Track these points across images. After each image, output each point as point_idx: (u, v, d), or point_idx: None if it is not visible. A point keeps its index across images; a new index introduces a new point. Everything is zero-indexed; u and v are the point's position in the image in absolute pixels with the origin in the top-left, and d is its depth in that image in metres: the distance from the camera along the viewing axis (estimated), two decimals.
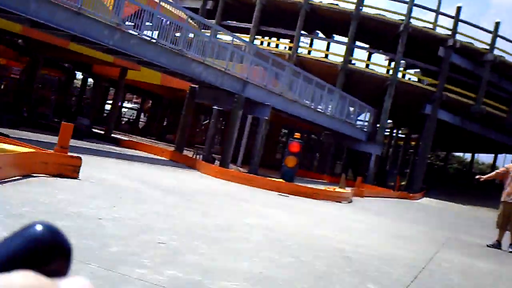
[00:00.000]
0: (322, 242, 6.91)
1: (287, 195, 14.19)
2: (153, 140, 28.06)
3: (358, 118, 32.79)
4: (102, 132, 22.44)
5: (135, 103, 50.32)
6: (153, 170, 13.71)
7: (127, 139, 22.02)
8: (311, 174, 30.43)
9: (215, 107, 21.71)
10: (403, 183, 36.55)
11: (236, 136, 20.37)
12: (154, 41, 16.16)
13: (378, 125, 33.07)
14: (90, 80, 34.18)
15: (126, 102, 51.08)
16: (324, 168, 32.43)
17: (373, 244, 7.76)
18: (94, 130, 22.51)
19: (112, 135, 22.05)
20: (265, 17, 35.64)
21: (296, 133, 19.25)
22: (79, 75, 37.35)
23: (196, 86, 20.85)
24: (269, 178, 16.27)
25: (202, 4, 37.40)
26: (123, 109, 50.20)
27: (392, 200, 23.94)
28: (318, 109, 26.19)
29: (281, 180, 16.28)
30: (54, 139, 15.20)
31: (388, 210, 17.78)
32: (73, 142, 16.48)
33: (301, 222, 9.01)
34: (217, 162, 19.85)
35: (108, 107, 45.24)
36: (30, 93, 22.21)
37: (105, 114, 39.98)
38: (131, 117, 46.62)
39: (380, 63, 42.23)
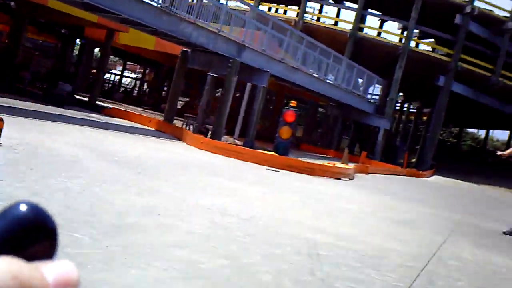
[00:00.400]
0: (291, 231, 5.26)
1: (278, 170, 12.58)
2: (147, 110, 26.49)
3: (369, 92, 30.94)
4: (87, 100, 20.85)
5: (138, 73, 48.70)
6: (125, 139, 12.09)
7: (112, 107, 20.42)
8: (316, 148, 28.87)
9: (209, 73, 19.98)
10: (413, 160, 34.73)
11: (229, 105, 18.70)
12: None
13: (387, 98, 31.27)
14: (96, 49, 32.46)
15: (129, 72, 49.59)
16: (330, 143, 30.80)
17: (362, 233, 6.13)
18: (81, 97, 20.98)
19: (98, 102, 20.44)
20: None
21: (292, 101, 17.41)
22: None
23: (189, 50, 19.14)
24: (261, 151, 14.62)
25: None
26: (126, 79, 48.76)
27: (399, 178, 22.20)
28: (322, 78, 24.42)
29: (273, 153, 14.65)
30: (19, 104, 13.76)
31: (393, 188, 16.04)
32: (48, 109, 15.14)
33: (277, 202, 7.36)
34: (210, 134, 18.26)
35: (108, 75, 43.78)
36: (13, 57, 20.66)
37: (105, 83, 38.59)
38: (129, 86, 45.09)
39: (393, 32, 40.23)
